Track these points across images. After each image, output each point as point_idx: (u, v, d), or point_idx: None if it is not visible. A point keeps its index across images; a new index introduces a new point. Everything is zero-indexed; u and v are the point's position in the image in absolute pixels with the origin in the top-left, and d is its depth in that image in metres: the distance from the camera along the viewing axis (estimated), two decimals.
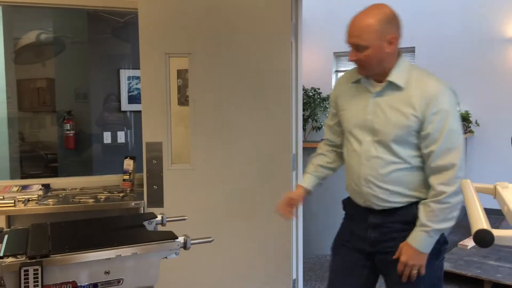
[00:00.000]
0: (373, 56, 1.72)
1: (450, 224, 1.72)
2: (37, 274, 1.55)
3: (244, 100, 2.73)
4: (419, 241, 1.73)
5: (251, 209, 2.73)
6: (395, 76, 1.74)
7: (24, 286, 1.55)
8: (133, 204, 2.76)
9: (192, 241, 1.83)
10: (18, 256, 1.60)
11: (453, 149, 1.70)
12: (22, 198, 2.71)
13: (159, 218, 2.10)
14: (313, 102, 5.47)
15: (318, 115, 5.53)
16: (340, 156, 2.06)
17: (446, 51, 5.89)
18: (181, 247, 1.84)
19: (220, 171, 2.73)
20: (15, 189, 2.90)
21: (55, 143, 4.69)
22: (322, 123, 5.59)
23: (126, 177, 3.12)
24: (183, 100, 3.03)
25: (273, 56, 2.74)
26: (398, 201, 1.79)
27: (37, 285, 1.56)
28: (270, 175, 2.73)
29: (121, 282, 1.73)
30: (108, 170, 3.58)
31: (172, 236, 1.86)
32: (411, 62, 1.83)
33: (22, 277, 1.54)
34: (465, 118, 5.74)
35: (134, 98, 4.47)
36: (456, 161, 1.69)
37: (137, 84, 4.46)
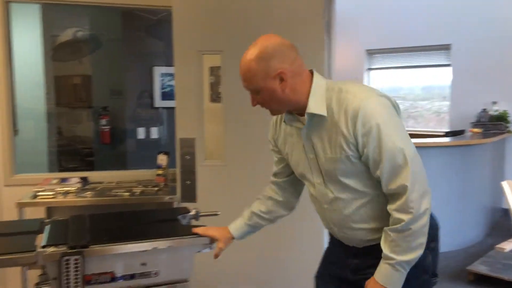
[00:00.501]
0: (270, 98, 1.53)
1: (417, 253, 1.46)
2: (78, 263, 1.61)
3: None
4: (385, 276, 1.48)
5: None
6: (313, 106, 1.51)
7: (65, 275, 1.61)
8: (167, 198, 2.82)
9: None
10: (59, 246, 1.66)
11: (400, 168, 1.42)
12: (62, 190, 2.81)
13: (192, 212, 2.13)
14: None
15: None
16: (285, 198, 1.86)
17: (484, 49, 5.72)
18: (214, 242, 1.87)
19: (252, 168, 2.75)
20: (54, 181, 3.00)
21: (91, 138, 4.82)
22: None
23: (160, 172, 3.18)
24: (215, 97, 3.07)
25: (305, 54, 2.71)
26: (379, 236, 1.52)
27: (78, 274, 1.62)
28: None
29: (157, 274, 1.78)
30: (142, 164, 3.66)
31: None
32: (327, 80, 1.58)
33: (63, 266, 1.60)
34: (503, 118, 5.57)
35: (167, 95, 4.54)
36: (406, 181, 1.41)
37: (170, 81, 4.53)
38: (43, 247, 1.66)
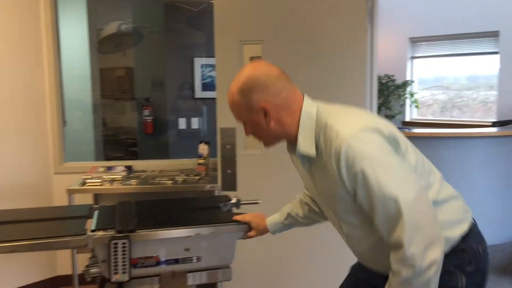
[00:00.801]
0: (257, 131, 1.44)
1: None
2: (125, 247, 1.68)
3: (317, 86, 2.72)
4: None
5: None
6: (302, 145, 1.38)
7: (114, 258, 1.68)
8: (208, 187, 2.87)
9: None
10: (108, 230, 1.74)
11: (395, 219, 1.19)
12: (108, 178, 2.92)
13: (233, 200, 2.17)
14: (387, 89, 5.32)
15: (392, 103, 5.37)
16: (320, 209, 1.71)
17: None
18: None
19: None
20: (101, 169, 3.11)
21: (135, 128, 4.96)
22: (395, 112, 5.43)
23: (201, 161, 3.24)
24: None
25: (348, 42, 2.70)
26: None
27: (125, 257, 1.68)
28: None
29: (200, 259, 1.83)
30: (183, 154, 3.74)
31: None
32: (319, 107, 1.41)
33: (112, 249, 1.67)
34: None
35: (207, 86, 4.60)
36: (402, 235, 1.17)
37: (210, 72, 4.59)
38: (93, 231, 1.73)
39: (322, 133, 1.34)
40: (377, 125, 1.29)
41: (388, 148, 1.26)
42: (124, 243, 1.67)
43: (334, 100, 2.66)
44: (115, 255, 1.67)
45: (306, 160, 1.42)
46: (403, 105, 5.61)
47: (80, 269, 2.93)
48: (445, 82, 6.18)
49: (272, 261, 2.84)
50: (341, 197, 1.33)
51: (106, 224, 1.78)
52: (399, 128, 5.22)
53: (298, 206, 1.83)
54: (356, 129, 1.27)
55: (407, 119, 5.87)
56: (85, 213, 2.00)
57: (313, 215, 1.79)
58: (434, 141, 4.20)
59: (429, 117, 6.00)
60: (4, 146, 3.08)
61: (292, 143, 1.43)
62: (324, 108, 1.40)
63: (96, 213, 1.98)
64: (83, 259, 2.95)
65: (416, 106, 5.76)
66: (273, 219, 1.85)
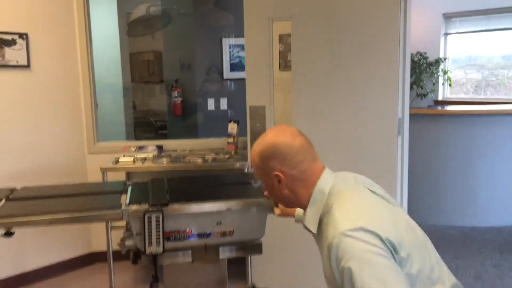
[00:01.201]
0: (272, 193, 1.44)
1: None
2: (159, 220, 1.71)
3: (348, 63, 2.68)
4: None
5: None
6: (307, 219, 1.38)
7: (148, 231, 1.72)
8: (238, 165, 2.89)
9: None
10: (142, 204, 1.78)
11: None
12: (140, 157, 2.97)
13: None
14: (419, 67, 5.18)
15: (424, 82, 5.24)
16: None
17: None
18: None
19: (322, 134, 2.73)
20: (133, 149, 3.17)
21: (164, 110, 5.02)
22: (428, 90, 5.29)
23: (231, 140, 3.25)
24: (284, 65, 3.06)
25: (380, 18, 2.63)
26: None
27: (159, 230, 1.72)
28: (374, 139, 2.68)
29: (231, 233, 1.85)
30: (212, 135, 3.76)
31: None
32: (334, 183, 1.36)
33: (146, 222, 1.71)
34: None
35: (236, 66, 4.60)
36: None
37: (238, 52, 4.58)
38: (127, 205, 1.78)
39: (326, 216, 1.32)
40: (378, 228, 1.20)
41: (382, 252, 1.18)
42: (157, 217, 1.71)
43: (365, 74, 2.64)
44: (149, 228, 1.72)
45: (312, 233, 1.41)
46: (435, 84, 5.47)
47: (114, 245, 3.02)
48: (479, 61, 5.99)
49: (304, 238, 2.85)
50: (334, 283, 1.28)
51: (140, 199, 1.83)
52: (430, 106, 5.12)
53: None
54: (353, 226, 1.20)
55: (440, 98, 5.73)
56: (120, 188, 2.06)
57: None
58: (467, 118, 4.10)
59: (462, 96, 5.83)
60: (41, 128, 3.17)
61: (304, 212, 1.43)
62: (340, 190, 1.35)
63: (129, 189, 2.03)
64: (117, 235, 3.03)
65: (450, 85, 5.60)
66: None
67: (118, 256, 3.25)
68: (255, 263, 2.94)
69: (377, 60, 2.66)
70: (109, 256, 2.97)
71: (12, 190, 2.02)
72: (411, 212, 3.26)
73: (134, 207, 1.75)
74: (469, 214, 4.12)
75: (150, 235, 1.72)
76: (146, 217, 1.71)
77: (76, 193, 2.02)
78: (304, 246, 2.88)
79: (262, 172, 1.39)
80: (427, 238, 1.38)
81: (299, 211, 1.77)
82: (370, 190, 1.39)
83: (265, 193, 1.47)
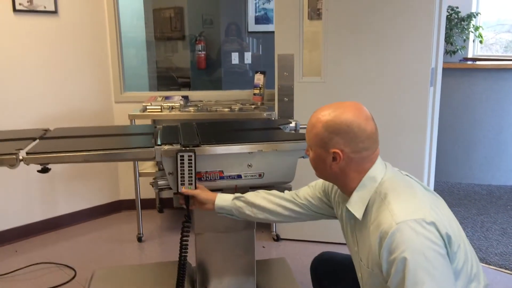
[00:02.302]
0: (316, 165, 1.38)
1: None
2: (191, 159, 1.72)
3: (381, 9, 2.59)
4: None
5: (384, 125, 2.67)
6: (353, 203, 1.33)
7: (180, 170, 1.73)
8: (265, 114, 2.87)
9: None
10: (174, 145, 1.78)
11: None
12: (167, 106, 2.98)
13: (292, 124, 2.16)
14: (449, 23, 4.99)
15: (454, 38, 5.06)
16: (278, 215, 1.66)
17: None
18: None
19: (352, 84, 2.68)
20: (159, 99, 3.18)
21: (186, 67, 4.98)
22: (458, 47, 5.12)
23: (257, 91, 3.23)
24: (313, 14, 2.98)
25: None
26: None
27: (191, 170, 1.73)
28: (406, 89, 2.61)
29: (262, 175, 1.85)
30: (236, 88, 3.74)
31: None
32: (385, 175, 1.32)
33: (179, 161, 1.72)
34: None
35: (261, 19, 4.51)
36: None
37: (264, 4, 4.47)
38: (159, 145, 1.79)
39: (377, 202, 1.28)
40: (436, 220, 1.19)
41: (438, 248, 1.16)
42: (190, 156, 1.72)
43: (399, 21, 2.55)
44: (182, 167, 1.72)
45: (352, 217, 1.37)
46: (466, 40, 5.28)
47: (142, 194, 3.08)
48: (510, 21, 5.75)
49: None
50: (374, 273, 1.27)
51: (171, 140, 1.83)
52: (461, 60, 4.97)
53: (261, 198, 1.69)
54: (413, 216, 1.18)
55: (470, 55, 5.55)
56: (150, 131, 2.07)
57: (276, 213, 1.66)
58: (499, 73, 3.98)
59: (492, 54, 5.65)
60: (68, 75, 3.19)
61: (346, 194, 1.39)
62: (392, 180, 1.32)
63: (160, 131, 2.04)
64: (145, 183, 3.09)
65: (480, 42, 5.41)
66: (223, 198, 1.72)
67: (145, 204, 3.34)
68: None
69: (413, 8, 2.56)
70: (137, 203, 3.03)
71: (46, 131, 2.05)
72: (437, 169, 3.23)
73: (167, 147, 1.76)
74: (496, 172, 4.06)
75: (182, 175, 1.73)
76: (178, 156, 1.71)
77: (108, 134, 2.04)
78: None
79: (320, 142, 1.32)
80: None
81: (221, 201, 1.70)
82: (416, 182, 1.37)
83: (306, 151, 1.43)
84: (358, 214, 1.32)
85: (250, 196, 1.70)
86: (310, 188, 1.67)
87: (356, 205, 1.33)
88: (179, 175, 1.73)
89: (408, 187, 1.30)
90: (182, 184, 1.74)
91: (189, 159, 1.72)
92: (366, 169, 1.33)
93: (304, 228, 2.90)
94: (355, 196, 1.33)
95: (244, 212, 1.69)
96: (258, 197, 1.69)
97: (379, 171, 1.33)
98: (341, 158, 1.30)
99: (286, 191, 1.73)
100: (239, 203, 1.70)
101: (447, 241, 1.19)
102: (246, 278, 2.02)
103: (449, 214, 1.30)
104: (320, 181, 1.63)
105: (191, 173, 1.74)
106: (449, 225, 1.23)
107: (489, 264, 2.69)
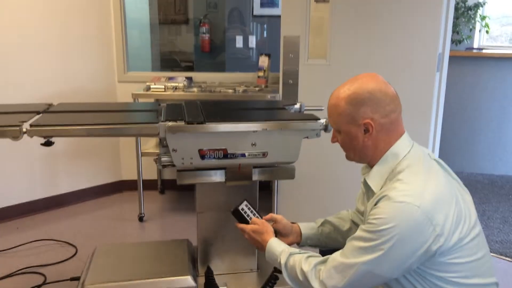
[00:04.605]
0: (349, 145, 1.35)
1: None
2: (249, 207, 1.68)
3: (389, 3, 2.55)
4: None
5: None
6: (372, 176, 1.33)
7: (248, 218, 1.67)
8: (268, 97, 2.86)
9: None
10: (178, 121, 1.77)
11: (349, 266, 1.21)
12: (170, 86, 2.96)
13: (297, 106, 2.14)
14: (456, 11, 4.94)
15: (460, 27, 5.01)
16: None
17: None
18: (322, 129, 1.88)
19: (358, 67, 2.66)
20: (163, 79, 3.16)
21: (190, 51, 4.95)
22: (464, 37, 5.08)
23: (261, 73, 3.21)
24: None
25: None
26: None
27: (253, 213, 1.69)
28: (412, 74, 2.59)
29: (265, 155, 1.84)
30: (240, 71, 3.72)
31: (314, 118, 1.91)
32: (410, 153, 1.30)
33: (244, 216, 1.67)
34: None
35: (266, 2, 4.46)
36: (335, 281, 1.22)
37: None
38: (163, 121, 1.77)
39: (390, 178, 1.28)
40: (431, 211, 1.16)
41: (416, 237, 1.16)
42: (246, 205, 1.68)
43: (408, 11, 2.52)
44: (248, 217, 1.67)
45: (370, 191, 1.34)
46: (472, 30, 5.23)
47: (144, 175, 3.08)
48: None
49: (334, 171, 2.85)
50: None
51: (176, 116, 1.82)
52: (467, 49, 4.94)
53: (343, 219, 1.66)
54: (410, 198, 1.16)
55: (475, 45, 5.50)
56: (155, 108, 2.06)
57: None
58: (505, 62, 3.96)
59: (498, 44, 5.60)
60: (72, 54, 3.17)
61: (370, 167, 1.36)
62: (412, 159, 1.29)
63: (164, 109, 2.02)
64: (147, 163, 3.09)
65: (487, 31, 5.36)
66: (307, 224, 1.68)
67: (147, 185, 3.34)
68: (281, 197, 2.97)
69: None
70: (139, 182, 3.03)
71: (50, 105, 2.04)
72: (439, 157, 3.22)
73: (171, 123, 1.75)
74: (499, 162, 4.06)
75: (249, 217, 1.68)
76: (242, 212, 1.67)
77: (112, 110, 2.03)
78: (332, 184, 2.89)
79: (347, 119, 1.30)
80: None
81: (306, 230, 1.65)
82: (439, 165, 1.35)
83: (333, 140, 1.41)
84: (376, 188, 1.31)
85: (337, 221, 1.66)
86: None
87: (374, 179, 1.32)
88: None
89: (424, 171, 1.26)
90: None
91: (248, 208, 1.68)
92: (392, 141, 1.31)
93: (306, 212, 2.90)
94: (375, 169, 1.33)
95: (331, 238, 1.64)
96: (345, 223, 1.64)
97: (403, 148, 1.31)
98: (373, 127, 1.28)
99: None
100: (326, 229, 1.65)
101: (433, 236, 1.16)
102: (247, 257, 2.02)
103: (460, 211, 1.24)
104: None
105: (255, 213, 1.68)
106: (448, 222, 1.18)
107: (491, 253, 2.69)
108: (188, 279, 1.89)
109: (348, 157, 1.41)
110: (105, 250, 2.19)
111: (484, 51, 4.56)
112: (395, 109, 1.31)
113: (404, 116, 1.38)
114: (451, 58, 3.18)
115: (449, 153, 4.07)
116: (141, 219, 3.06)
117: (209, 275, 1.90)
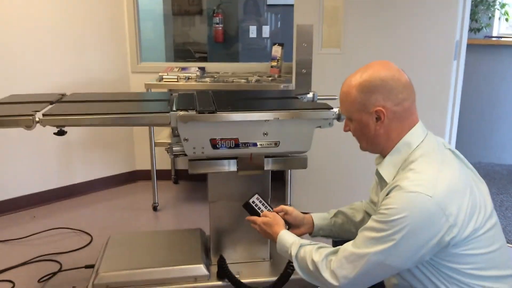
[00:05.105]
0: (360, 133, 1.33)
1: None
2: (260, 200, 1.67)
3: None
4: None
5: None
6: (384, 166, 1.30)
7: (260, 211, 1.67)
8: (281, 86, 2.83)
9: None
10: (189, 111, 1.77)
11: (350, 254, 1.22)
12: (183, 76, 2.96)
13: (310, 95, 2.12)
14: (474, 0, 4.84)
15: (479, 15, 4.90)
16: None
17: None
18: (334, 119, 1.86)
19: (372, 56, 2.60)
20: (176, 70, 3.16)
21: (203, 42, 4.94)
22: (482, 25, 4.96)
23: (274, 63, 3.18)
24: None
25: None
26: None
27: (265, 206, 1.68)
28: (429, 62, 2.53)
29: (277, 144, 1.83)
30: (253, 62, 3.69)
31: (327, 107, 1.89)
32: (423, 142, 1.28)
33: (255, 208, 1.67)
34: None
35: None
36: (334, 264, 1.24)
37: None
38: (174, 111, 1.77)
39: (403, 168, 1.25)
40: (443, 202, 1.13)
41: (434, 233, 1.14)
42: (257, 198, 1.67)
43: (424, 1, 2.46)
44: (260, 209, 1.66)
45: (383, 182, 1.31)
46: (491, 18, 5.12)
47: (158, 165, 3.09)
48: None
49: (348, 161, 2.83)
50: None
51: (187, 106, 1.81)
52: (486, 37, 4.83)
53: (356, 210, 1.64)
54: (423, 188, 1.14)
55: (494, 33, 5.38)
56: (166, 97, 2.06)
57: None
58: None
59: None
60: (85, 45, 3.18)
61: (383, 157, 1.34)
62: (426, 148, 1.27)
63: (175, 98, 2.02)
64: (160, 154, 3.10)
65: (506, 19, 5.23)
66: (320, 214, 1.68)
67: (161, 175, 3.36)
68: (294, 188, 2.96)
69: None
70: (153, 172, 3.05)
71: (63, 95, 2.05)
72: (456, 147, 3.17)
73: (182, 112, 1.74)
74: None
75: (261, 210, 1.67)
76: (253, 205, 1.66)
77: (124, 99, 2.03)
78: (346, 174, 2.86)
79: (359, 107, 1.28)
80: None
81: (318, 220, 1.64)
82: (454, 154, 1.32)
83: (345, 129, 1.39)
84: (388, 178, 1.29)
85: (351, 212, 1.64)
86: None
87: (386, 169, 1.30)
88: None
89: (438, 161, 1.23)
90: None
91: (259, 201, 1.67)
92: (407, 128, 1.28)
93: (319, 202, 2.88)
94: (388, 159, 1.31)
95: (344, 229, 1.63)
96: (358, 214, 1.63)
97: (416, 138, 1.28)
98: (385, 115, 1.26)
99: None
100: (339, 220, 1.63)
101: (446, 227, 1.14)
102: (259, 246, 2.02)
103: (475, 201, 1.21)
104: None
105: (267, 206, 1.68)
106: (462, 212, 1.16)
107: (508, 243, 2.64)
108: (201, 268, 1.89)
109: (361, 147, 1.39)
110: (119, 239, 2.21)
111: (503, 39, 4.46)
112: (408, 97, 1.28)
113: (419, 105, 1.35)
114: (469, 46, 3.11)
115: (466, 143, 4.00)
116: (155, 208, 3.08)
117: (222, 263, 1.91)
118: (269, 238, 1.54)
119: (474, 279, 1.21)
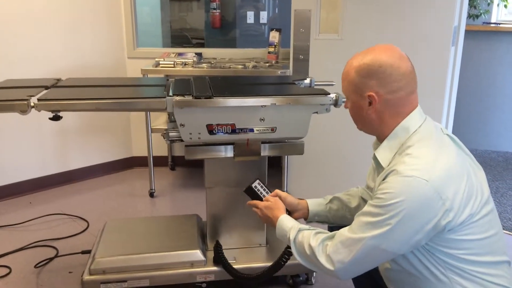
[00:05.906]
0: (354, 113, 1.35)
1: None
2: (261, 185, 1.65)
3: None
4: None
5: None
6: (382, 150, 1.30)
7: (261, 195, 1.65)
8: (279, 72, 2.81)
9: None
10: (186, 96, 1.76)
11: (356, 240, 1.20)
12: (180, 61, 2.94)
13: (307, 81, 2.11)
14: None
15: (478, 1, 4.87)
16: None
17: None
18: (331, 104, 1.85)
19: (371, 41, 2.58)
20: (172, 55, 3.13)
21: (200, 28, 4.89)
22: (481, 11, 4.93)
23: (272, 49, 3.16)
24: None
25: None
26: None
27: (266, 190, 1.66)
28: (426, 47, 2.52)
29: (274, 130, 1.83)
30: (251, 48, 3.66)
31: (323, 92, 1.88)
32: (420, 127, 1.27)
33: (257, 193, 1.65)
34: None
35: None
36: (330, 247, 1.25)
37: None
38: (171, 96, 1.76)
39: (400, 153, 1.25)
40: (440, 186, 1.13)
41: (430, 217, 1.14)
42: (259, 183, 1.65)
43: None
44: (261, 194, 1.65)
45: (380, 167, 1.31)
46: (490, 4, 5.08)
47: (154, 151, 3.08)
48: None
49: (344, 147, 2.82)
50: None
51: (183, 91, 1.81)
52: (484, 23, 4.81)
53: (352, 195, 1.65)
54: (419, 172, 1.14)
55: (493, 20, 5.35)
56: (163, 82, 2.04)
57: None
58: None
59: None
60: (81, 30, 3.15)
61: (380, 142, 1.34)
62: (423, 133, 1.26)
63: (172, 83, 2.01)
64: (157, 140, 3.09)
65: (505, 6, 5.20)
66: (315, 200, 1.67)
67: (157, 162, 3.35)
68: (290, 174, 2.96)
69: None
70: (150, 159, 3.04)
71: (58, 80, 2.03)
72: (453, 134, 3.16)
73: (178, 98, 1.73)
74: None
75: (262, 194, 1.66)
76: (255, 190, 1.65)
77: (120, 84, 2.02)
78: (343, 160, 2.86)
79: (354, 88, 1.29)
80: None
81: (314, 206, 1.65)
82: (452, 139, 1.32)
83: (346, 106, 1.39)
84: (384, 163, 1.29)
85: (346, 198, 1.64)
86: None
87: (382, 153, 1.30)
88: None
89: (435, 146, 1.23)
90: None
91: (261, 186, 1.66)
92: (403, 115, 1.28)
93: (316, 188, 2.89)
94: (385, 144, 1.31)
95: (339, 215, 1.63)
96: (354, 200, 1.63)
97: (414, 122, 1.28)
98: (376, 101, 1.26)
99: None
100: (334, 205, 1.64)
101: (442, 211, 1.14)
102: (256, 232, 2.03)
103: (472, 187, 1.20)
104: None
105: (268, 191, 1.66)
106: (458, 197, 1.16)
107: (504, 230, 2.66)
108: (197, 253, 1.90)
109: (358, 127, 1.40)
110: (116, 225, 2.22)
111: (501, 26, 4.43)
112: (406, 86, 1.26)
113: (418, 88, 1.34)
114: (467, 32, 3.10)
115: (463, 129, 4.00)
116: (151, 194, 3.08)
117: (218, 249, 1.92)
118: (269, 222, 1.54)
119: (469, 264, 1.21)
